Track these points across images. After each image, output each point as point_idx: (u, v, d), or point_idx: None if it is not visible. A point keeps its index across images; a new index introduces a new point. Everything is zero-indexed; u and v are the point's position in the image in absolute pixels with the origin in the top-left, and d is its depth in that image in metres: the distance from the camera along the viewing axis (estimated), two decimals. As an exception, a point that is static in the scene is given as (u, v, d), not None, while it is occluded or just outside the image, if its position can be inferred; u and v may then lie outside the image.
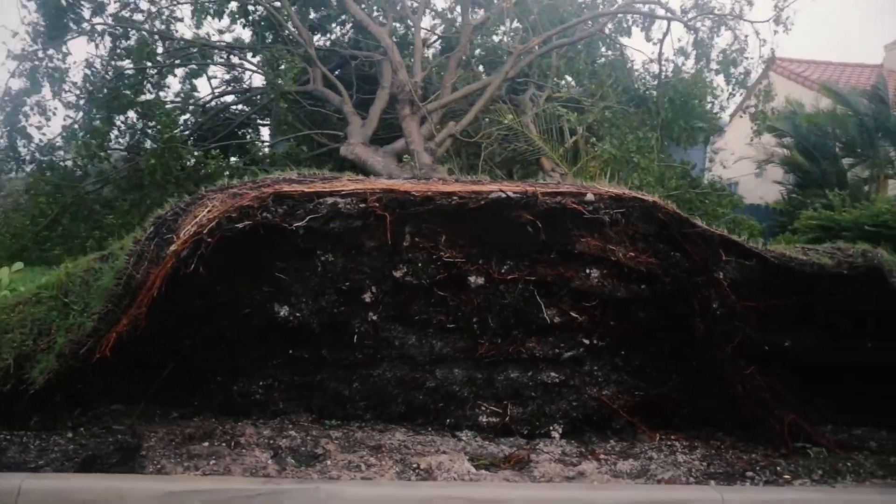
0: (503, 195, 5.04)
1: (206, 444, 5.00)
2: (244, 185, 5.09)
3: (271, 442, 5.15)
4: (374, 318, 5.46)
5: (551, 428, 5.67)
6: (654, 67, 11.73)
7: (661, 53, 11.31)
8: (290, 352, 5.57)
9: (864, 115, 15.37)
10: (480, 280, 5.38)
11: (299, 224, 4.98)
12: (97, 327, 4.68)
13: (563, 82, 10.29)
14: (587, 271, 5.41)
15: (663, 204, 5.34)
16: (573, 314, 5.49)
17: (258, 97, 10.64)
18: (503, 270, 5.38)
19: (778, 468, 4.91)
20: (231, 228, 4.87)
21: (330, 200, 4.99)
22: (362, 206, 5.02)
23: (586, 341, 5.60)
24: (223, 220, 4.82)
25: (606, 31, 11.00)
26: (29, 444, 4.69)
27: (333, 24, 11.98)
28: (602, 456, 5.23)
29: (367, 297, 5.37)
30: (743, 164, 17.07)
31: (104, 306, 4.69)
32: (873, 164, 16.12)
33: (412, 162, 7.99)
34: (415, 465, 4.83)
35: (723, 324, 5.36)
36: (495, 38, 10.60)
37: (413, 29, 10.05)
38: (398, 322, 5.53)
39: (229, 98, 12.94)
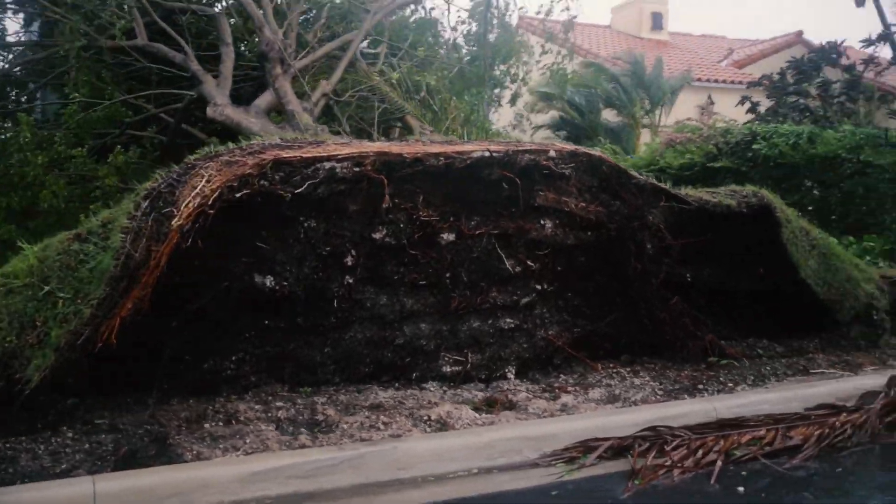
0: (486, 154, 5.33)
1: (209, 424, 4.83)
2: (234, 153, 4.88)
3: (269, 415, 5.07)
4: (351, 281, 5.51)
5: (507, 370, 6.13)
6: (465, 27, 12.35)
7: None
8: (266, 322, 5.45)
9: (621, 74, 17.38)
10: (451, 237, 5.64)
11: (298, 191, 4.90)
12: (95, 314, 4.31)
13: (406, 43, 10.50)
14: (542, 222, 5.88)
15: (607, 158, 5.95)
16: (529, 263, 5.95)
17: (63, 50, 9.50)
18: (471, 226, 5.68)
19: (721, 379, 5.81)
20: (230, 198, 4.69)
21: (327, 165, 4.95)
22: (356, 170, 5.04)
23: (538, 287, 6.09)
24: (224, 190, 4.63)
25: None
26: (35, 448, 4.23)
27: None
28: (569, 388, 5.79)
29: (349, 261, 5.40)
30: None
31: (103, 290, 4.32)
32: (630, 115, 18.36)
33: (292, 122, 7.83)
34: (426, 418, 5.04)
35: (653, 262, 6.15)
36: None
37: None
38: (371, 283, 5.62)
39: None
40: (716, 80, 21.13)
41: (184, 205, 4.50)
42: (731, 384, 5.73)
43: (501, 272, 5.87)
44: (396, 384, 5.84)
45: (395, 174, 5.16)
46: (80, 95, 9.19)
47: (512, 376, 6.10)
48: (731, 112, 17.29)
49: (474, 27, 12.45)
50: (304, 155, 4.89)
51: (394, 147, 5.19)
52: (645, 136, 18.27)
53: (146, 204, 4.50)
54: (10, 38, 12.33)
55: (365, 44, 10.34)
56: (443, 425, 4.93)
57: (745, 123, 13.74)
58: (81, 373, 4.62)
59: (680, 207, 6.14)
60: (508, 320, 6.06)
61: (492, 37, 12.14)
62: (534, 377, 6.15)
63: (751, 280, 6.56)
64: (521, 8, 12.51)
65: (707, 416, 4.92)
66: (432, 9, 11.44)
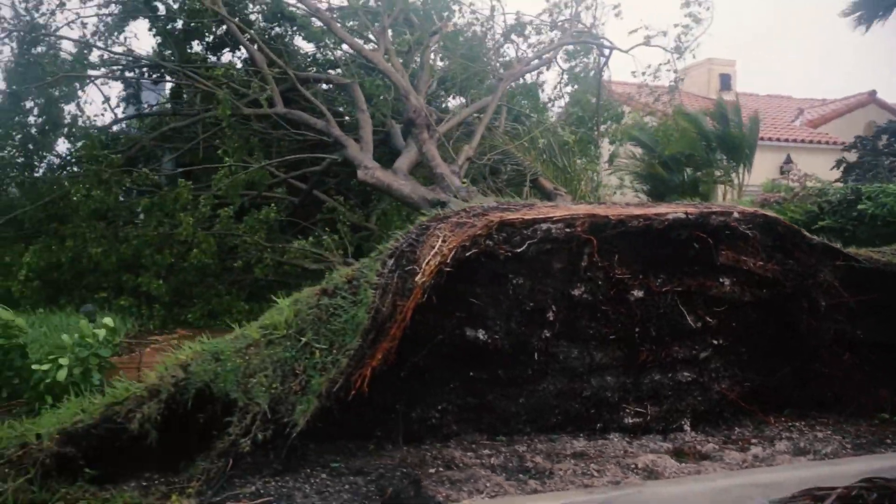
0: (682, 216, 5.65)
1: (435, 470, 5.11)
2: (460, 215, 5.26)
3: (482, 462, 5.35)
4: (549, 335, 5.81)
5: (683, 422, 6.34)
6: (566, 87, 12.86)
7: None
8: (471, 374, 5.76)
9: (709, 132, 17.64)
10: (640, 293, 5.93)
11: (518, 250, 5.25)
12: (350, 363, 4.67)
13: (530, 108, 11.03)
14: (721, 280, 6.15)
15: (782, 219, 6.24)
16: (708, 319, 6.20)
17: (218, 122, 10.16)
18: (658, 283, 5.97)
19: (904, 435, 5.96)
20: (460, 257, 5.05)
21: (544, 226, 5.31)
22: (568, 230, 5.39)
23: (714, 342, 6.32)
24: (458, 250, 4.99)
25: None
26: (304, 488, 4.56)
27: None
28: (752, 441, 5.98)
29: (550, 316, 5.71)
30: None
31: (358, 341, 4.68)
32: (708, 173, 18.58)
33: (442, 185, 8.25)
34: (633, 466, 5.29)
35: (825, 319, 6.36)
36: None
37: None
38: (566, 338, 5.91)
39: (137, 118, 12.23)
40: (794, 140, 21.39)
41: (425, 263, 4.89)
42: (914, 439, 5.88)
43: (683, 327, 6.12)
44: (581, 434, 6.08)
45: (599, 234, 5.50)
46: (231, 160, 9.73)
47: (688, 428, 6.30)
48: (811, 172, 17.58)
49: (567, 88, 12.96)
50: (524, 217, 5.26)
51: (599, 209, 5.54)
52: (719, 194, 18.53)
53: (391, 262, 4.90)
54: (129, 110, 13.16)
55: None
56: (651, 473, 5.17)
57: (838, 183, 13.99)
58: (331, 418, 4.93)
59: (849, 266, 6.37)
60: (686, 374, 6.29)
61: (592, 98, 12.59)
62: (707, 430, 6.34)
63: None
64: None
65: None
66: (539, 72, 11.85)
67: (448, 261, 4.92)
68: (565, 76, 12.02)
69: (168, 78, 12.22)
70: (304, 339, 4.78)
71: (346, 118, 10.55)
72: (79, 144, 11.96)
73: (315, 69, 12.05)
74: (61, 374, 6.18)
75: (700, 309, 6.19)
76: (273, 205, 10.10)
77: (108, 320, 6.88)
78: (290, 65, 10.52)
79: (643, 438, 6.09)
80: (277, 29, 12.28)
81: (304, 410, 4.59)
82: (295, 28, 12.21)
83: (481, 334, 5.55)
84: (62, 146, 12.55)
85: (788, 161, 20.08)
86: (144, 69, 12.28)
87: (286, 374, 4.70)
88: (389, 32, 9.71)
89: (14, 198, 12.24)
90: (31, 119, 11.81)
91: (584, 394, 6.05)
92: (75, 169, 12.86)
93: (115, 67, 11.82)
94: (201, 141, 11.30)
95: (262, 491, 4.43)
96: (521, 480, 4.98)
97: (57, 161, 12.69)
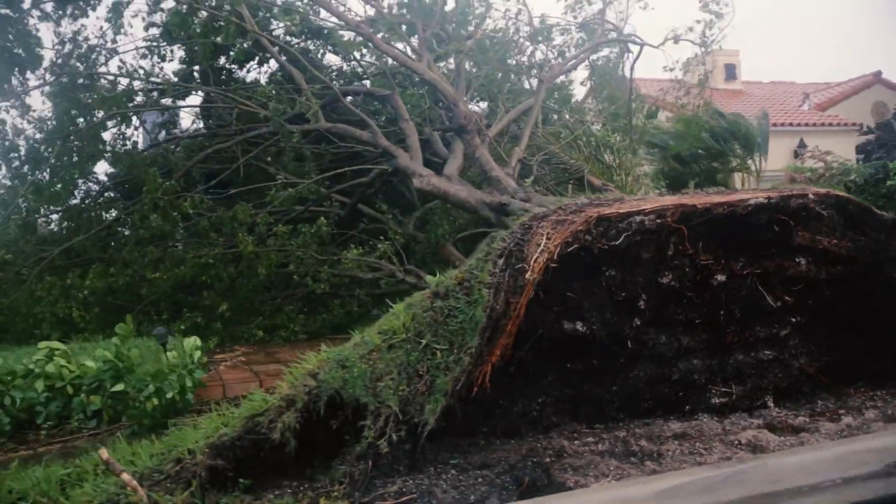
0: (764, 200, 5.86)
1: (550, 460, 5.29)
2: (558, 213, 5.47)
3: (591, 449, 5.54)
4: (639, 323, 6.01)
5: (766, 399, 6.53)
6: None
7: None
8: (568, 366, 5.95)
9: (717, 126, 18.02)
10: (723, 277, 6.12)
11: (615, 243, 5.46)
12: (472, 362, 4.86)
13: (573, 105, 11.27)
14: (797, 260, 6.35)
15: (853, 199, 6.44)
16: (786, 298, 6.40)
17: (266, 138, 10.36)
18: (739, 266, 6.17)
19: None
20: (563, 253, 5.25)
21: (638, 219, 5.51)
22: (659, 221, 5.59)
23: (792, 320, 6.51)
24: (562, 246, 5.19)
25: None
26: (441, 484, 4.74)
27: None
28: (840, 412, 6.17)
29: (641, 305, 5.91)
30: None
31: (477, 339, 4.88)
32: (724, 163, 18.92)
33: (498, 187, 8.45)
34: (737, 443, 5.48)
35: (897, 291, 6.56)
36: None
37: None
38: (654, 325, 6.10)
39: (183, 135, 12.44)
40: (804, 124, 21.66)
41: (533, 260, 5.09)
42: None
43: (763, 307, 6.31)
44: (672, 417, 6.27)
45: (688, 223, 5.70)
46: (285, 176, 9.92)
47: (771, 404, 6.48)
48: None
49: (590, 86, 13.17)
50: (619, 210, 5.47)
51: (685, 199, 5.75)
52: (737, 181, 18.82)
53: (501, 262, 5.10)
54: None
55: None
56: (755, 448, 5.36)
57: (863, 164, 14.25)
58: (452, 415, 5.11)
59: (916, 239, 6.57)
60: (767, 352, 6.49)
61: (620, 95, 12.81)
62: (789, 405, 6.53)
63: None
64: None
65: None
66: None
67: (554, 257, 5.13)
68: (595, 75, 12.20)
69: (202, 96, 12.39)
70: (423, 342, 4.97)
71: (384, 129, 10.74)
72: (117, 168, 12.14)
73: (342, 82, 12.25)
74: (170, 396, 6.36)
75: (778, 289, 6.38)
76: (323, 218, 10.30)
77: (197, 341, 7.05)
78: (321, 80, 10.72)
79: (731, 417, 6.27)
80: (304, 44, 12.47)
81: (433, 410, 4.78)
82: (321, 42, 12.41)
83: (579, 326, 5.74)
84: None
85: (802, 145, 20.35)
86: (179, 91, 12.47)
87: (411, 376, 4.89)
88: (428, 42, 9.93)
89: (53, 227, 12.42)
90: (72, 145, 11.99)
91: (672, 378, 6.25)
92: (111, 194, 13.10)
93: (152, 93, 12.01)
94: (240, 161, 11.52)
95: (403, 489, 4.62)
96: (634, 463, 5.17)
97: (96, 188, 12.87)
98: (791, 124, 21.41)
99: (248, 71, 13.02)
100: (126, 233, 11.10)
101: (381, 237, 10.71)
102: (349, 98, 10.72)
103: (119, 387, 6.68)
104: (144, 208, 10.11)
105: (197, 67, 12.77)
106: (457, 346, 4.92)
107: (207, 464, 4.39)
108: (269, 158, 10.23)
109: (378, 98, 10.61)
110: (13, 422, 6.46)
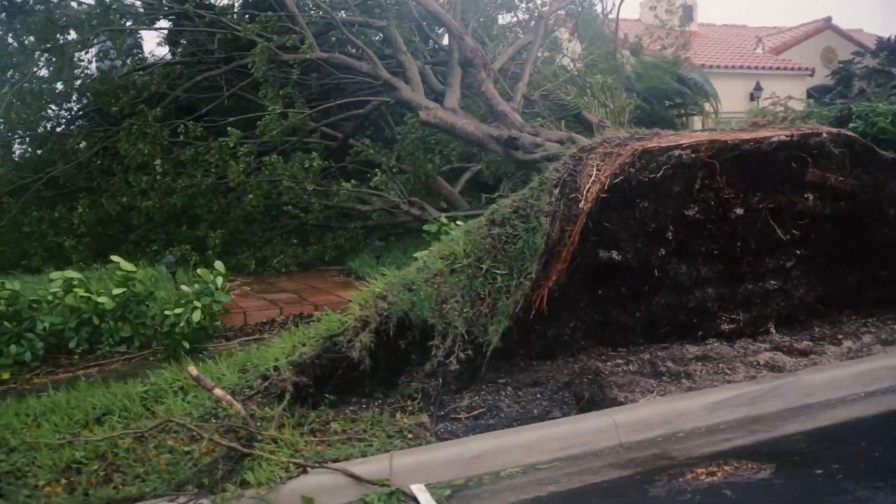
0: (786, 138, 6.20)
1: (591, 378, 5.64)
2: (604, 145, 5.70)
3: (623, 369, 5.92)
4: (664, 253, 6.34)
5: (769, 325, 7.00)
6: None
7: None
8: (599, 293, 6.28)
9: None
10: (741, 211, 6.48)
11: (657, 175, 5.74)
12: (531, 286, 5.14)
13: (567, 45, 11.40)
14: (806, 195, 6.74)
15: (859, 138, 6.84)
16: (794, 231, 6.83)
17: (249, 66, 10.18)
18: (755, 201, 6.53)
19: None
20: (612, 184, 5.52)
21: (676, 153, 5.79)
22: (694, 156, 5.89)
23: (797, 252, 6.94)
24: (611, 177, 5.46)
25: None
26: (503, 399, 5.05)
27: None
28: (839, 336, 6.68)
29: (669, 235, 6.24)
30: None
31: (536, 264, 5.15)
32: (683, 105, 19.43)
33: (505, 121, 8.61)
34: (756, 364, 5.94)
35: (893, 227, 7.05)
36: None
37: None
38: (677, 255, 6.45)
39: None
40: (760, 67, 22.25)
41: (586, 190, 5.35)
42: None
43: (774, 240, 6.71)
44: (685, 341, 6.68)
45: (719, 158, 6.02)
46: (276, 107, 9.81)
47: (773, 331, 6.96)
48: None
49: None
50: (661, 144, 5.73)
51: (718, 135, 6.05)
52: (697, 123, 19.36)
53: (556, 191, 5.33)
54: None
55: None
56: (773, 367, 5.82)
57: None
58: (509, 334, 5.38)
59: (910, 177, 7.05)
60: (773, 282, 6.92)
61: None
62: (787, 331, 7.02)
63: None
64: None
65: None
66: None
67: (605, 187, 5.40)
68: (579, 18, 12.25)
69: (172, 20, 11.99)
70: (484, 267, 5.20)
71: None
72: (89, 94, 11.79)
73: (323, 10, 11.96)
74: (196, 316, 6.45)
75: (787, 223, 6.77)
76: (314, 152, 10.28)
77: (221, 267, 7.12)
78: (320, 7, 10.57)
79: (739, 342, 6.71)
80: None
81: (497, 330, 5.06)
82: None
83: (614, 254, 6.05)
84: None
85: (758, 87, 20.95)
86: (154, 14, 12.06)
87: (474, 299, 5.13)
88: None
89: (28, 156, 12.08)
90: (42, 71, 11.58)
91: (689, 305, 6.64)
92: (82, 122, 12.72)
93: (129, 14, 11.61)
94: (226, 92, 11.34)
95: (472, 404, 4.90)
96: (669, 381, 5.57)
97: (67, 115, 12.51)
98: (747, 67, 21.98)
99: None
100: (109, 162, 10.82)
101: (372, 170, 10.78)
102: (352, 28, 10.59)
103: (150, 311, 6.75)
104: (132, 136, 9.90)
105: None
106: (516, 271, 5.17)
107: (293, 380, 4.57)
108: (261, 90, 10.02)
109: (374, 28, 10.53)
110: (45, 347, 6.48)
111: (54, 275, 6.94)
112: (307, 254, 10.89)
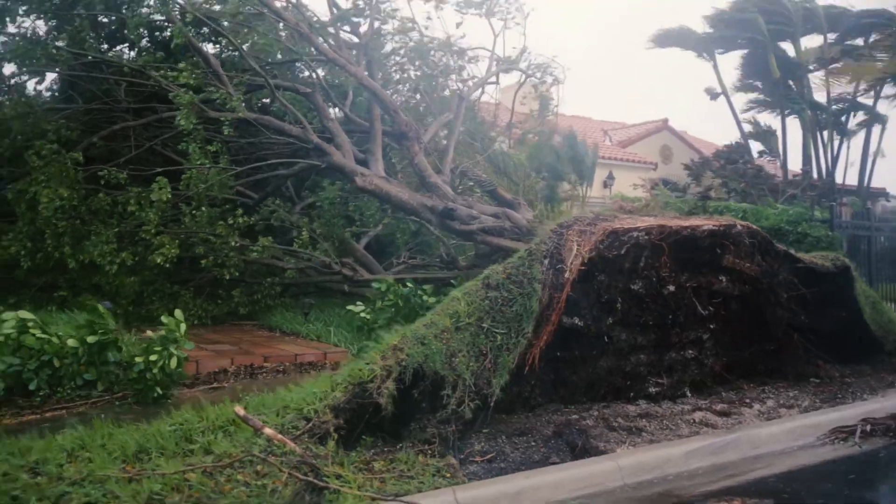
0: (713, 227, 7.26)
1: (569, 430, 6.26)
2: (578, 223, 6.48)
3: (585, 424, 6.59)
4: (611, 321, 7.15)
5: (685, 390, 7.96)
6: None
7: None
8: (557, 354, 6.95)
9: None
10: (672, 288, 7.44)
11: (620, 253, 6.56)
12: (527, 344, 5.78)
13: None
14: (720, 277, 7.83)
15: (760, 230, 8.05)
16: (709, 308, 7.87)
17: (173, 119, 10.14)
18: (682, 280, 7.52)
19: (850, 391, 7.99)
20: (586, 258, 6.28)
21: (635, 234, 6.67)
22: (647, 237, 6.78)
23: (711, 326, 7.99)
24: (588, 251, 6.22)
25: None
26: (508, 446, 5.54)
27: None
28: (746, 400, 7.72)
29: (618, 306, 7.06)
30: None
31: (531, 325, 5.79)
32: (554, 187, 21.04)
33: (437, 192, 9.22)
34: (692, 422, 6.81)
35: (782, 308, 8.28)
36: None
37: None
38: (620, 324, 7.28)
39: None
40: (613, 158, 24.41)
41: (570, 262, 6.07)
42: (857, 394, 7.94)
43: (695, 315, 7.72)
44: (620, 401, 7.47)
45: (666, 241, 6.95)
46: (204, 161, 9.89)
47: (689, 394, 7.92)
48: (627, 187, 20.58)
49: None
50: (624, 226, 6.58)
51: (664, 221, 7.01)
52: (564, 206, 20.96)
53: (546, 262, 6.01)
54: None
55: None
56: (706, 425, 6.69)
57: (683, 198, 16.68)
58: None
59: (795, 267, 8.35)
60: (690, 352, 7.91)
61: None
62: (700, 396, 8.00)
63: (832, 321, 8.85)
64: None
65: (881, 412, 7.06)
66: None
67: (584, 260, 6.14)
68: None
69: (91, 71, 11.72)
70: (485, 326, 5.75)
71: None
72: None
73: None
74: (173, 363, 6.51)
75: (704, 301, 7.82)
76: (237, 207, 10.40)
77: (180, 315, 7.17)
78: (245, 69, 10.82)
79: (663, 404, 7.58)
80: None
81: (499, 383, 5.61)
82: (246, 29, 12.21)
83: (576, 321, 6.76)
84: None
85: (611, 177, 22.99)
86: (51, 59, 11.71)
87: (477, 355, 5.65)
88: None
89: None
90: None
91: (626, 369, 7.45)
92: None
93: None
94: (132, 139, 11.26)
95: (483, 449, 5.37)
96: (627, 435, 6.28)
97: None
98: (601, 157, 24.03)
99: (133, 47, 12.56)
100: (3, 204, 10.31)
101: (286, 228, 11.01)
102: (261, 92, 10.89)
103: (113, 356, 6.69)
104: (50, 180, 9.53)
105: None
106: (514, 331, 5.77)
107: (334, 422, 4.86)
108: (183, 142, 9.98)
109: (300, 94, 10.88)
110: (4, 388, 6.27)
111: (6, 315, 6.72)
112: (218, 308, 10.86)
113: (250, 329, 10.46)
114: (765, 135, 23.33)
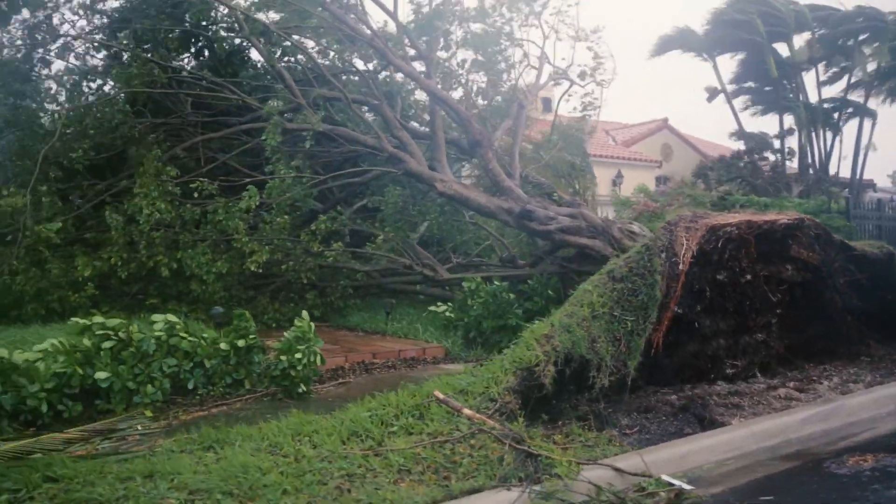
0: (789, 221, 8.07)
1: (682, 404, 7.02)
2: (684, 219, 7.23)
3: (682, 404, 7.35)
4: (699, 309, 7.93)
5: (755, 371, 8.77)
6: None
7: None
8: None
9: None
10: (749, 277, 8.24)
11: (715, 246, 7.34)
12: (653, 330, 6.54)
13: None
14: (787, 266, 8.65)
15: (820, 223, 8.88)
16: (778, 295, 8.69)
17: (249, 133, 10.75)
18: (757, 269, 8.32)
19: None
20: (694, 251, 7.05)
21: (728, 229, 7.44)
22: (737, 232, 7.57)
23: (778, 311, 8.81)
24: (696, 245, 7.00)
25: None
26: (646, 421, 6.28)
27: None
28: (814, 378, 8.54)
29: (707, 294, 7.84)
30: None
31: (656, 313, 6.55)
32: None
33: (512, 195, 9.95)
34: (778, 396, 7.60)
35: (838, 293, 9.12)
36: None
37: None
38: (706, 311, 8.05)
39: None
40: (620, 157, 25.31)
41: (682, 255, 6.83)
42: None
43: (767, 301, 8.53)
44: (703, 383, 8.25)
45: (751, 235, 7.74)
46: (288, 172, 10.54)
47: (759, 375, 8.73)
48: (632, 186, 21.57)
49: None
50: (719, 222, 7.36)
51: (751, 217, 7.81)
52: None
53: (664, 255, 6.76)
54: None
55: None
56: (791, 400, 7.49)
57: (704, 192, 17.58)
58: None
59: (847, 255, 9.19)
60: (759, 335, 8.71)
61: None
62: (767, 375, 8.81)
63: (879, 304, 9.69)
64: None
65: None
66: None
67: (693, 254, 6.90)
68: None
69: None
70: (616, 314, 6.49)
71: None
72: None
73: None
74: (318, 360, 7.16)
75: (773, 288, 8.64)
76: (323, 216, 11.05)
77: (306, 316, 7.81)
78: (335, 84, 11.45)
79: (738, 384, 8.38)
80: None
81: (634, 365, 6.36)
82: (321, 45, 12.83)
83: (677, 309, 7.51)
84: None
85: (619, 175, 23.88)
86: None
87: (612, 340, 6.39)
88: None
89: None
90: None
91: (707, 353, 8.23)
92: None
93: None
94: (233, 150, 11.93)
95: (629, 424, 6.12)
96: (731, 410, 7.05)
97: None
98: (608, 156, 24.94)
99: (198, 60, 13.13)
100: (101, 217, 10.85)
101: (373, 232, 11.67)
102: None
103: (257, 356, 7.31)
104: (148, 196, 10.09)
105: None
106: (641, 318, 6.52)
107: (511, 402, 5.57)
108: (267, 156, 10.60)
109: (370, 106, 11.53)
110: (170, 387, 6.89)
111: (156, 317, 7.32)
112: (292, 311, 11.46)
113: (329, 330, 11.07)
114: (758, 137, 24.40)
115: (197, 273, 10.45)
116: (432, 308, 10.10)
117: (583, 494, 4.63)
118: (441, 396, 5.32)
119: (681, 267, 6.76)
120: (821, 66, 24.97)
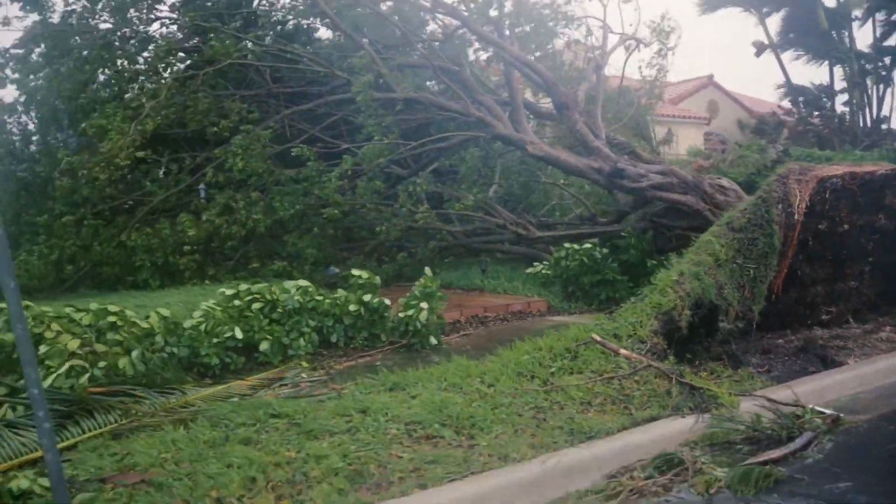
0: (888, 172, 8.38)
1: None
2: (793, 172, 7.59)
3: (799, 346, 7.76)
4: (801, 257, 8.30)
5: (848, 317, 9.14)
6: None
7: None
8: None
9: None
10: (846, 227, 8.58)
11: (823, 196, 7.70)
12: (773, 277, 6.94)
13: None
14: (879, 216, 8.97)
15: (909, 172, 9.18)
16: (870, 244, 9.02)
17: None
18: (853, 220, 8.66)
19: None
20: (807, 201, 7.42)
21: (835, 180, 7.79)
22: (841, 183, 7.91)
23: (870, 259, 9.16)
24: (807, 197, 7.36)
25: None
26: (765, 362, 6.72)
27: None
28: (907, 322, 8.91)
29: (809, 243, 8.20)
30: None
31: (775, 261, 6.95)
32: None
33: (600, 155, 10.32)
34: (881, 339, 8.00)
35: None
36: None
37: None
38: (806, 259, 8.42)
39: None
40: (670, 115, 25.42)
41: (797, 206, 7.20)
42: None
43: (860, 250, 8.88)
44: (802, 328, 8.65)
45: (854, 185, 8.07)
46: (381, 139, 10.99)
47: (851, 321, 9.11)
48: (687, 141, 21.75)
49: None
50: (826, 173, 7.71)
51: (854, 168, 8.13)
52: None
53: (780, 206, 7.14)
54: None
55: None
56: (893, 342, 7.89)
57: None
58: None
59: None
60: (852, 283, 9.07)
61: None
62: (858, 321, 9.19)
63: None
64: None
65: None
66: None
67: (807, 205, 7.27)
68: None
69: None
70: (739, 262, 6.90)
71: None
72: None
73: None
74: (423, 316, 7.65)
75: (866, 237, 8.98)
76: (416, 179, 11.51)
77: (429, 272, 8.29)
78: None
79: (834, 329, 8.77)
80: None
81: (758, 309, 6.78)
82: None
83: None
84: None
85: (671, 133, 24.03)
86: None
87: (737, 286, 6.81)
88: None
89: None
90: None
91: (806, 299, 8.62)
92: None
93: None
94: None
95: (757, 363, 6.56)
96: (843, 352, 7.46)
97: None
98: (659, 114, 25.04)
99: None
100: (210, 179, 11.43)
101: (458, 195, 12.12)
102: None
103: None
104: (243, 154, 10.60)
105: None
106: (762, 265, 6.92)
107: (657, 342, 6.03)
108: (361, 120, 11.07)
109: (452, 71, 11.89)
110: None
111: (288, 284, 7.82)
112: (383, 271, 11.98)
113: (407, 288, 11.58)
114: (808, 90, 24.33)
115: (292, 228, 11.02)
116: (529, 270, 10.67)
117: (745, 423, 5.08)
118: (598, 339, 5.78)
119: (796, 217, 7.15)
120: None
